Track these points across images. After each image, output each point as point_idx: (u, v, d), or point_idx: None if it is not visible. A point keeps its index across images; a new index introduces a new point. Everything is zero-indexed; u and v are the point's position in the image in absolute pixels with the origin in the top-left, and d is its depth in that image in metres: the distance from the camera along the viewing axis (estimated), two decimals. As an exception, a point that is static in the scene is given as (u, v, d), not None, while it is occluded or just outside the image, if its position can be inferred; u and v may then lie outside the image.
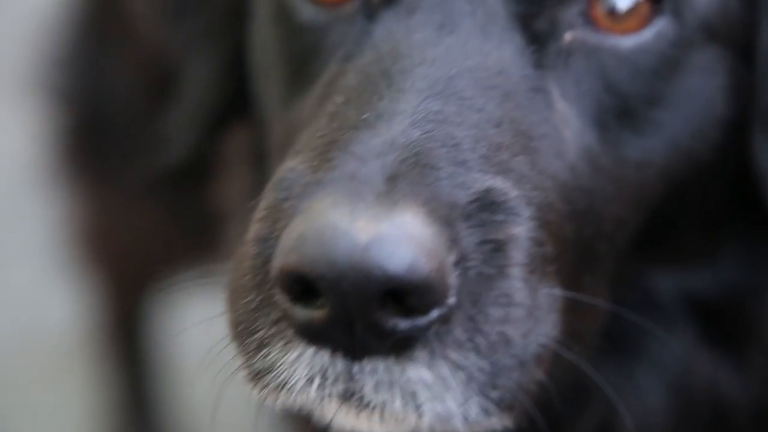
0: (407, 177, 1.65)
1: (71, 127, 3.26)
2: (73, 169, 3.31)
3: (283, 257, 1.63)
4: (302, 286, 1.62)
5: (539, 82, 1.81)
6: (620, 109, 1.84)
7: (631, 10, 1.84)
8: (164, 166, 2.28)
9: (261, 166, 2.14)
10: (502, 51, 1.80)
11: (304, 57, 1.94)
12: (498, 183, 1.69)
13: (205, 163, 2.31)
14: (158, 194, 2.96)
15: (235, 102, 2.16)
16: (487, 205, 1.67)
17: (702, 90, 1.88)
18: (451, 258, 1.62)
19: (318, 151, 1.73)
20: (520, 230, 1.69)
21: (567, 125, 1.81)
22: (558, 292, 1.72)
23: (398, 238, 1.59)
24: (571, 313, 1.76)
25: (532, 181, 1.74)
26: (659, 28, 1.85)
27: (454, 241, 1.63)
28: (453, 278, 1.62)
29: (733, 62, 1.90)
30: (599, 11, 1.84)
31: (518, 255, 1.67)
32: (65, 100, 3.26)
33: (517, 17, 1.82)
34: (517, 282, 1.67)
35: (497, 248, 1.66)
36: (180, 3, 2.21)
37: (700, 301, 1.98)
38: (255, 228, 1.74)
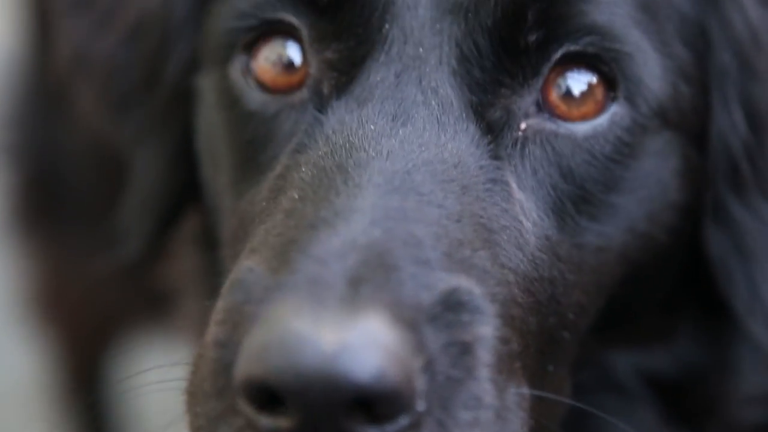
0: (370, 280, 1.62)
1: (22, 185, 3.22)
2: (25, 226, 3.27)
3: (247, 366, 1.60)
4: (267, 394, 1.59)
5: (497, 172, 1.79)
6: (577, 195, 1.83)
7: (586, 94, 1.83)
8: (119, 259, 2.24)
9: (209, 247, 2.10)
10: (458, 142, 1.78)
11: (254, 146, 1.90)
12: (462, 281, 1.67)
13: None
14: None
15: (186, 188, 2.12)
16: (452, 306, 1.65)
17: (656, 174, 1.88)
18: (419, 363, 1.60)
19: (276, 251, 1.70)
20: (487, 330, 1.67)
21: (526, 215, 1.79)
22: (525, 390, 1.71)
23: (364, 346, 1.56)
24: (537, 408, 1.74)
25: (495, 276, 1.72)
26: (613, 113, 1.84)
27: (420, 345, 1.60)
28: (421, 383, 1.59)
29: (686, 148, 1.91)
30: (554, 96, 1.83)
31: (486, 355, 1.65)
32: (16, 159, 3.22)
33: (471, 107, 1.80)
34: (485, 383, 1.64)
35: (464, 350, 1.64)
36: (124, 96, 2.16)
37: (660, 380, 1.98)
38: (214, 331, 1.70)
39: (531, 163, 1.82)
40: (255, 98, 1.90)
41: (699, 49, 1.91)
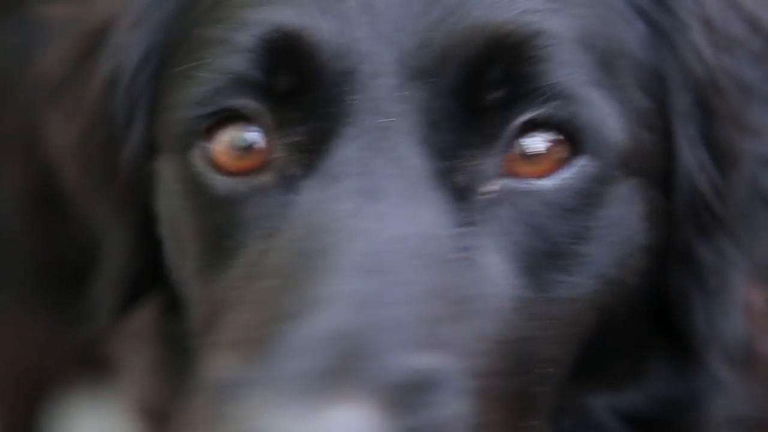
0: (346, 368, 1.60)
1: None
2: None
3: None
4: None
5: (469, 239, 1.77)
6: (548, 250, 1.82)
7: (547, 152, 1.82)
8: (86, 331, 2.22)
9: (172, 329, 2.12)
10: (430, 213, 1.75)
11: (221, 231, 1.86)
12: (439, 361, 1.66)
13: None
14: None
15: (151, 267, 2.09)
16: (429, 386, 1.63)
17: (623, 220, 1.88)
18: None
19: (249, 344, 1.66)
20: (463, 406, 1.66)
21: (499, 279, 1.79)
22: None
23: None
24: None
25: (474, 348, 1.71)
26: (578, 167, 1.83)
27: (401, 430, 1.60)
28: None
29: (651, 192, 1.91)
30: (517, 157, 1.82)
31: None
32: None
33: (440, 173, 1.77)
34: None
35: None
36: (93, 179, 2.13)
37: (636, 418, 2.01)
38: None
39: (501, 224, 1.80)
40: (219, 184, 1.86)
41: (659, 95, 1.90)
